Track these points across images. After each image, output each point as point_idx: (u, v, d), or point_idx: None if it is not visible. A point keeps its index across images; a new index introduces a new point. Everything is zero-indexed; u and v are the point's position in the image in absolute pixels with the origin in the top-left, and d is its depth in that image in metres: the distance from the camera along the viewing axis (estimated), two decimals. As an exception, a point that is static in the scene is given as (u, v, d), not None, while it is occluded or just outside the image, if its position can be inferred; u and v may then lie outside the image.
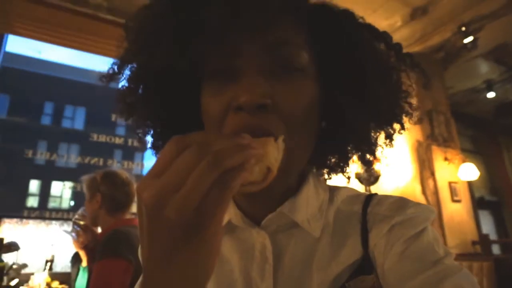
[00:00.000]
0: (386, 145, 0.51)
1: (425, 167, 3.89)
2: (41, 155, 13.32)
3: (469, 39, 3.68)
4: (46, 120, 14.94)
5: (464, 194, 4.22)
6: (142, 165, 8.95)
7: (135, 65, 0.46)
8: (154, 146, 0.52)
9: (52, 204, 14.31)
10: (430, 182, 3.87)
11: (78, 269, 2.20)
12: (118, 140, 6.75)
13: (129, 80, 0.47)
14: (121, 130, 11.62)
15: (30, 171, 13.58)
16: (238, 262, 0.45)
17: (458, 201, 4.17)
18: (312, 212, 0.46)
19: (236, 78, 0.40)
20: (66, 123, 15.20)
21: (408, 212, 0.43)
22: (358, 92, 0.44)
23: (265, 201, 0.45)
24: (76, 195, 13.65)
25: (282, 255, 0.44)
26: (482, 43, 3.88)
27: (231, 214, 0.47)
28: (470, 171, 4.03)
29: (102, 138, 5.88)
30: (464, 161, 4.11)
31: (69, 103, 15.31)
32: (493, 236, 5.91)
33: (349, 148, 0.51)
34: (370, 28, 0.47)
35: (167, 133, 0.50)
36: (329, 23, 0.44)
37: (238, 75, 0.40)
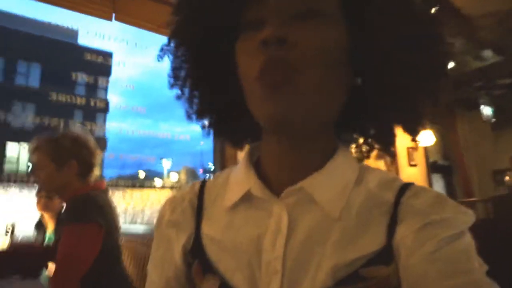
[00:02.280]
0: (434, 106, 0.47)
1: (386, 133, 4.07)
2: (-7, 115, 12.45)
3: (432, 10, 3.74)
4: (-4, 77, 13.83)
5: (420, 159, 4.49)
6: (105, 128, 8.61)
7: (183, 36, 0.50)
8: (201, 113, 0.53)
9: (8, 166, 13.64)
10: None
11: (44, 236, 2.16)
12: (79, 100, 6.40)
13: (177, 51, 0.51)
14: (81, 90, 11.02)
15: (-19, 131, 12.73)
16: (253, 230, 0.45)
17: (415, 165, 4.45)
18: (334, 191, 0.44)
19: (263, 26, 0.41)
20: (19, 80, 14.16)
21: (447, 211, 0.41)
22: (388, 41, 0.42)
23: (292, 148, 0.45)
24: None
25: (297, 229, 0.43)
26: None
27: (250, 183, 0.46)
28: (426, 137, 4.28)
29: (62, 98, 5.55)
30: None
31: (22, 59, 14.20)
32: (442, 198, 6.39)
33: (390, 114, 0.47)
34: None
35: (214, 101, 0.52)
36: None
37: (264, 24, 0.42)
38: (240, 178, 0.49)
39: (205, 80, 0.51)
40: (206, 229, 0.48)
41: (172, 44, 0.51)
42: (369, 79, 0.46)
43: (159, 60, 0.52)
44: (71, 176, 1.44)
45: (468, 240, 0.40)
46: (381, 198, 0.44)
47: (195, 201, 0.52)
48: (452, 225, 0.40)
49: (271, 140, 0.47)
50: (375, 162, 3.89)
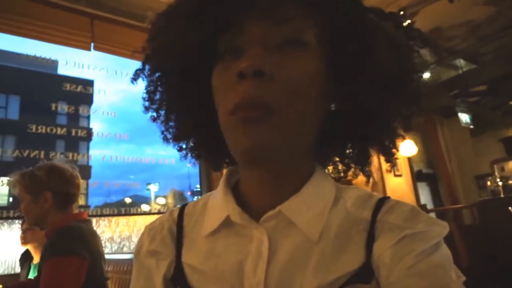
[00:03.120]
0: (405, 129, 0.50)
1: (370, 145, 4.13)
2: (-29, 150, 12.08)
3: (407, 23, 3.89)
4: (-27, 111, 13.51)
5: (404, 168, 4.56)
6: (88, 156, 8.44)
7: (158, 61, 0.48)
8: (177, 137, 0.52)
9: (-13, 202, 13.15)
10: (375, 159, 4.09)
11: (29, 268, 2.07)
12: (60, 131, 6.28)
13: (152, 75, 0.49)
14: (62, 119, 10.85)
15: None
16: (234, 257, 0.44)
17: (400, 175, 4.52)
18: (312, 214, 0.44)
19: (241, 55, 0.41)
20: (-2, 114, 13.87)
21: (420, 225, 0.41)
22: (368, 72, 0.43)
23: (267, 181, 0.45)
24: (15, 190, 12.59)
25: (278, 253, 0.42)
26: (418, 27, 4.12)
27: (229, 209, 0.46)
28: (409, 147, 4.36)
29: (42, 129, 5.44)
30: (404, 139, 4.41)
31: (0, 92, 13.94)
32: (429, 206, 6.48)
33: (367, 136, 0.49)
34: (376, 10, 0.47)
35: (189, 125, 0.51)
36: (335, 7, 0.43)
37: (243, 52, 0.41)
38: (218, 204, 0.48)
39: (180, 104, 0.50)
40: (187, 257, 0.47)
41: (146, 68, 0.50)
42: (346, 105, 0.46)
43: (132, 83, 0.51)
44: (48, 207, 1.42)
45: (445, 251, 0.41)
46: (358, 217, 0.44)
47: (174, 229, 0.51)
48: (427, 238, 0.40)
49: (247, 166, 0.47)
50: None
